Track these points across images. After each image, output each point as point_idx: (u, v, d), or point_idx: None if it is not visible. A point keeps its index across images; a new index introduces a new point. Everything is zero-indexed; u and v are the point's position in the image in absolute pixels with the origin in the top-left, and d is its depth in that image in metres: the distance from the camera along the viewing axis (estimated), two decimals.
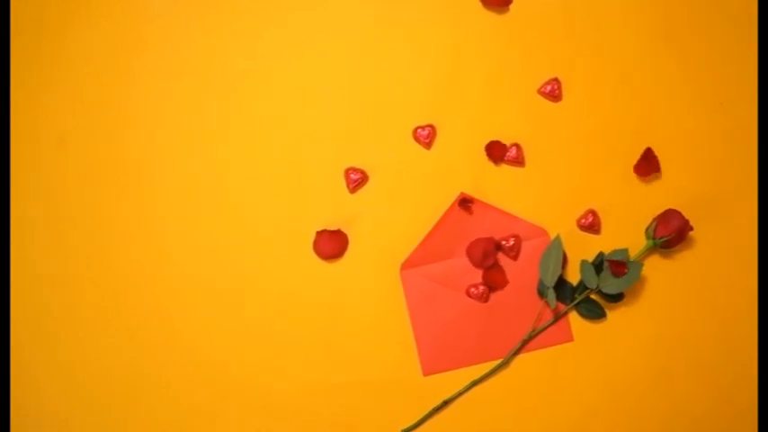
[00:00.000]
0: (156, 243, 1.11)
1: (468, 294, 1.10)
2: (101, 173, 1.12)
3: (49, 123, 1.13)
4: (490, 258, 1.10)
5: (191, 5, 1.14)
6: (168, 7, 1.14)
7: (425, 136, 1.11)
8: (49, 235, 1.11)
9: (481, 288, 1.10)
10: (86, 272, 1.11)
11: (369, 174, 1.11)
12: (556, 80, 1.12)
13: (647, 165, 1.10)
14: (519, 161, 1.11)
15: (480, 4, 1.13)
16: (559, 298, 1.10)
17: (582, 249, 1.11)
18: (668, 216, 1.08)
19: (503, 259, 1.11)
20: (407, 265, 1.10)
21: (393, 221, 1.11)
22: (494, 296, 1.11)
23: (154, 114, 1.13)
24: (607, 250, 1.10)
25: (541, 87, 1.12)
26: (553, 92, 1.12)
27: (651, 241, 1.09)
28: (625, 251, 1.09)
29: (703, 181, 1.12)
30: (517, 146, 1.11)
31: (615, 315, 1.10)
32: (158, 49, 1.13)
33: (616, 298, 1.09)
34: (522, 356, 1.10)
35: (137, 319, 1.10)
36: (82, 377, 1.10)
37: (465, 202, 1.10)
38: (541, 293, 1.10)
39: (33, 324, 1.10)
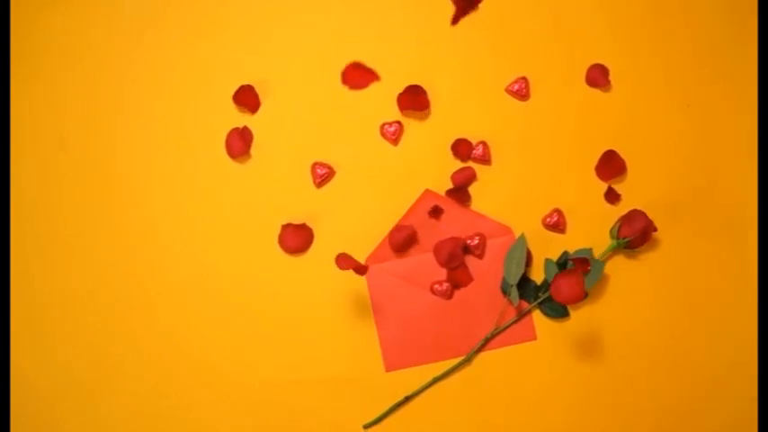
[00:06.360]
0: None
1: (432, 291, 1.10)
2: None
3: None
4: (456, 260, 1.09)
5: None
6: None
7: (392, 132, 1.12)
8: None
9: (445, 285, 1.10)
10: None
11: (335, 169, 1.12)
12: (524, 79, 1.12)
13: (609, 168, 1.09)
14: (485, 159, 1.11)
15: (450, 3, 1.14)
16: (523, 296, 1.09)
17: (547, 248, 1.10)
18: (632, 216, 1.07)
19: (467, 257, 1.10)
20: (372, 260, 1.11)
21: (358, 217, 1.11)
22: (458, 293, 1.10)
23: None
24: (572, 250, 1.09)
25: (509, 86, 1.12)
26: (521, 91, 1.12)
27: (615, 241, 1.07)
28: (589, 251, 1.08)
29: (668, 182, 1.10)
30: (484, 144, 1.11)
31: (578, 315, 1.09)
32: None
33: None
34: (484, 354, 1.10)
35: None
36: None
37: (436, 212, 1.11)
38: (505, 291, 1.09)
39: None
